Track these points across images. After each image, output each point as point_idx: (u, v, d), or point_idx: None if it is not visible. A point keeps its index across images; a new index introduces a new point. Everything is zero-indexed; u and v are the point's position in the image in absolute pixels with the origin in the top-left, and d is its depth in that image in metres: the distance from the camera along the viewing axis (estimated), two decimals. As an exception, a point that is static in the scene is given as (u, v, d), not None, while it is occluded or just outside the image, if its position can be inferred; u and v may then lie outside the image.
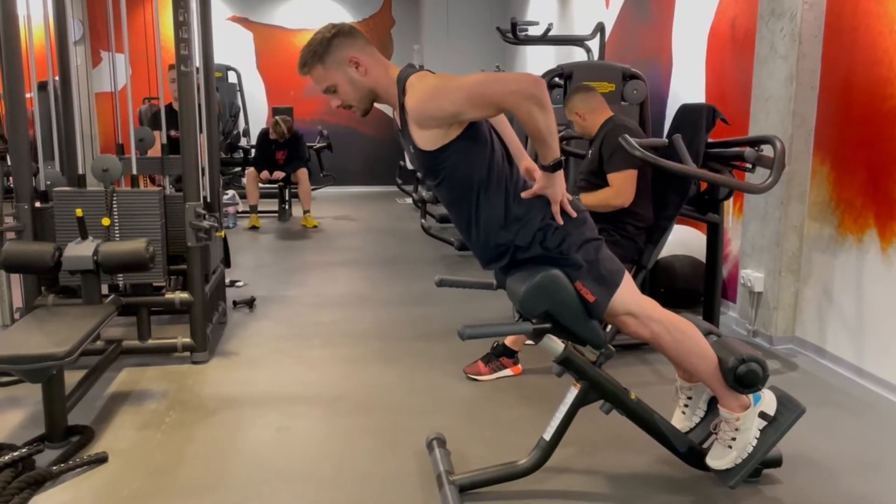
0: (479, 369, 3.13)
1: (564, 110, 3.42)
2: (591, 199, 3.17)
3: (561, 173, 1.92)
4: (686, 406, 2.35)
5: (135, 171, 3.47)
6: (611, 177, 3.17)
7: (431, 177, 2.02)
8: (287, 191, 7.88)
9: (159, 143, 4.09)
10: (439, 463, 2.20)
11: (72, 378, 2.66)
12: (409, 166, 9.09)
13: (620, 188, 3.15)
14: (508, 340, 3.15)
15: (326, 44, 1.93)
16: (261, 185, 7.55)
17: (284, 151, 7.54)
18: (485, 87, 1.79)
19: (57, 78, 3.73)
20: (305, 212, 7.48)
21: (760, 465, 2.17)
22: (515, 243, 1.99)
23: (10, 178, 3.23)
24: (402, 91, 1.92)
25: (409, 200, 9.00)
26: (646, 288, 3.40)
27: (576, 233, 2.00)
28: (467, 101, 1.81)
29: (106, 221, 3.16)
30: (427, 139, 1.91)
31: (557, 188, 1.93)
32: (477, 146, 1.93)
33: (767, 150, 2.96)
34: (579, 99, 3.37)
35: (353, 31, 1.98)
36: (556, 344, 2.05)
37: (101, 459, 2.35)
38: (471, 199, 1.98)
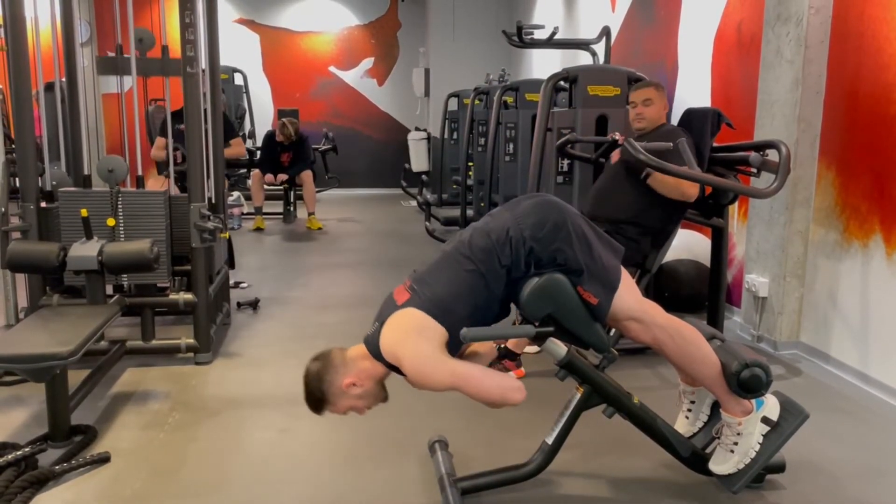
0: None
1: (654, 91, 3.33)
2: (665, 176, 3.06)
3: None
4: (689, 410, 2.34)
5: (134, 73, 3.43)
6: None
7: None
8: (292, 193, 7.89)
9: (164, 145, 4.08)
10: (441, 465, 2.20)
11: (75, 378, 2.67)
12: (415, 169, 9.10)
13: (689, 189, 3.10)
14: (510, 343, 3.14)
15: (322, 391, 2.00)
16: (266, 186, 7.56)
17: (290, 153, 7.55)
18: (468, 390, 1.91)
19: (64, 79, 3.75)
20: (310, 214, 7.49)
21: (763, 471, 2.16)
22: (516, 277, 1.99)
23: (17, 178, 3.25)
24: (388, 365, 1.97)
25: (414, 203, 9.01)
26: (650, 292, 3.39)
27: (563, 241, 1.96)
28: (455, 388, 1.92)
29: (111, 222, 3.17)
30: None
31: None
32: (461, 320, 1.94)
33: (773, 155, 2.95)
34: (664, 94, 3.37)
35: (325, 361, 2.02)
36: (558, 347, 2.04)
37: (104, 459, 2.36)
38: (488, 314, 2.03)
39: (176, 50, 3.26)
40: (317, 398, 2.01)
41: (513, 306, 2.08)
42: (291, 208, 7.96)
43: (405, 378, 1.96)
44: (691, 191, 3.10)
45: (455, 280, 1.98)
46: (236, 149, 6.67)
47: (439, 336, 1.92)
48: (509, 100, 6.22)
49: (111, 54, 3.78)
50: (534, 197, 2.12)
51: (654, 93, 3.32)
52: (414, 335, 1.92)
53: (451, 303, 1.94)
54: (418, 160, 9.09)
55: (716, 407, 2.26)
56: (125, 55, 3.51)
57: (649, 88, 3.35)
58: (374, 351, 1.98)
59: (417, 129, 9.57)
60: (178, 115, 3.81)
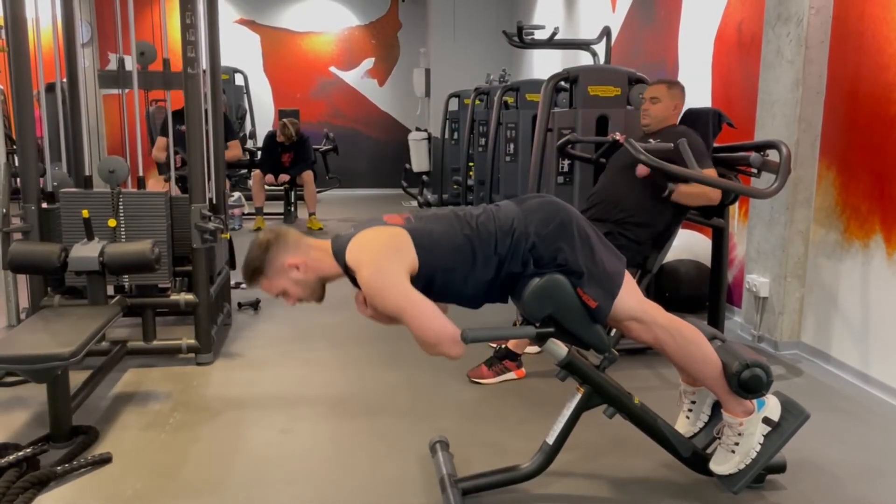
0: (482, 373, 3.13)
1: (664, 88, 3.29)
2: (691, 188, 3.07)
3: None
4: (690, 411, 2.35)
5: (136, 87, 3.45)
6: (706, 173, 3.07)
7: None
8: (293, 193, 7.89)
9: (165, 145, 4.09)
10: (442, 466, 2.20)
11: (77, 378, 2.68)
12: (415, 169, 9.10)
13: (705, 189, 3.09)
14: (511, 343, 3.14)
15: (262, 258, 1.98)
16: (267, 187, 7.57)
17: (290, 154, 7.55)
18: (410, 322, 1.85)
19: (65, 80, 3.75)
20: (311, 214, 7.49)
21: (764, 471, 2.16)
22: (512, 271, 1.99)
23: (18, 179, 3.25)
24: (346, 270, 1.95)
25: (415, 203, 9.01)
26: (651, 293, 3.39)
27: (566, 241, 1.97)
28: (397, 314, 1.87)
29: (112, 222, 3.18)
30: None
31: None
32: (436, 265, 1.94)
33: (773, 155, 2.95)
34: (680, 89, 3.33)
35: (281, 236, 2.01)
36: (559, 348, 2.04)
37: (106, 460, 2.36)
38: (459, 287, 2.01)
39: (177, 61, 3.25)
40: (255, 266, 1.99)
41: (513, 306, 2.09)
42: (292, 209, 7.96)
43: (356, 289, 1.94)
44: (715, 195, 3.09)
45: (450, 234, 1.98)
46: (233, 151, 6.66)
47: (410, 264, 1.90)
48: (510, 100, 6.22)
49: (112, 67, 3.79)
50: (543, 197, 2.13)
51: (664, 91, 3.28)
52: (390, 250, 1.91)
53: (438, 247, 1.94)
54: (419, 160, 9.09)
55: (716, 407, 2.26)
56: (126, 68, 3.53)
57: (660, 86, 3.31)
58: (338, 248, 1.96)
59: (418, 129, 9.57)
60: (178, 115, 3.82)
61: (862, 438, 2.64)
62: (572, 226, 2.00)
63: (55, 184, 3.38)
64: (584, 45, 5.96)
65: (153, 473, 2.31)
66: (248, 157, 8.27)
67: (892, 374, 2.99)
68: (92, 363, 2.89)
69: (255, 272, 2.00)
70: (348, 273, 1.96)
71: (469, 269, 1.98)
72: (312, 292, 2.04)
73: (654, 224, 3.18)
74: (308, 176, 7.53)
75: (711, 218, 3.43)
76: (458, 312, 4.27)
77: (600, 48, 5.81)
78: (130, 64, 3.54)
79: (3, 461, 2.25)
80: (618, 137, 3.39)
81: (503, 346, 3.17)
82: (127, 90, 3.62)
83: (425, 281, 1.93)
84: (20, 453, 2.30)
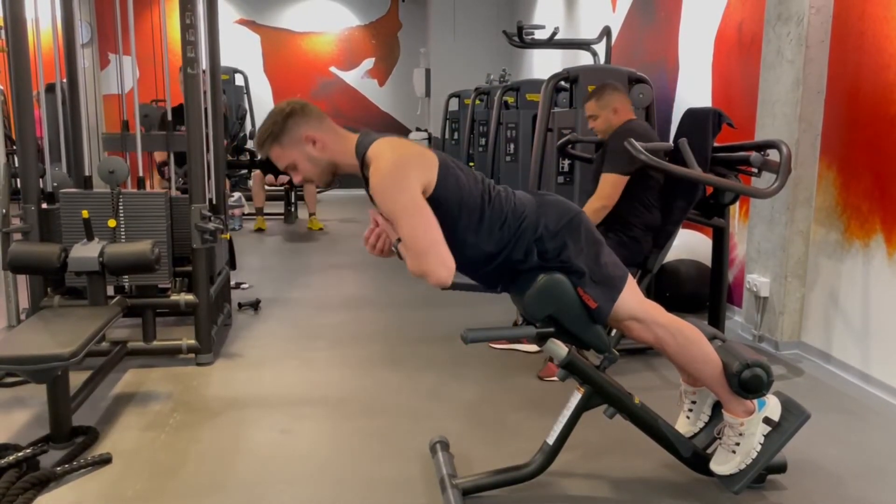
0: (551, 371, 3.08)
1: (593, 104, 3.32)
2: (585, 208, 3.13)
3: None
4: (690, 411, 2.34)
5: (140, 149, 3.46)
6: (602, 177, 3.15)
7: None
8: (293, 193, 7.89)
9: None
10: (442, 466, 2.20)
11: (77, 379, 2.67)
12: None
13: (603, 190, 3.12)
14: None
15: (281, 124, 1.94)
16: (267, 187, 7.57)
17: (291, 154, 7.54)
18: (408, 242, 1.82)
19: (65, 80, 3.75)
20: (311, 214, 7.49)
21: (765, 471, 2.16)
22: (512, 258, 1.99)
23: (18, 179, 3.25)
24: (362, 164, 1.92)
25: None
26: (651, 292, 3.39)
27: (573, 239, 1.99)
28: (398, 215, 1.83)
29: (112, 223, 3.18)
30: None
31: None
32: (445, 202, 1.89)
33: (773, 155, 2.95)
34: (620, 96, 3.32)
35: (306, 108, 1.98)
36: (559, 348, 2.04)
37: (106, 460, 2.36)
38: (455, 242, 1.91)
39: (177, 61, 3.25)
40: (272, 131, 1.94)
41: (513, 306, 2.08)
42: (292, 209, 7.96)
43: (366, 189, 1.90)
44: (596, 203, 3.14)
45: (470, 188, 1.95)
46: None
47: (428, 182, 1.85)
48: (510, 100, 6.22)
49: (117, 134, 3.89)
50: (557, 196, 2.13)
51: (594, 107, 3.32)
52: (416, 159, 1.87)
53: (456, 191, 1.91)
54: (419, 160, 9.07)
55: (717, 407, 2.26)
56: (131, 132, 3.61)
57: (589, 104, 3.34)
58: (364, 140, 1.93)
59: (418, 129, 9.58)
60: (178, 112, 3.83)
61: (862, 438, 2.63)
62: (581, 227, 2.02)
63: (55, 184, 3.38)
64: (584, 45, 5.96)
65: (153, 474, 2.31)
66: (248, 158, 8.27)
67: (892, 374, 2.99)
68: (92, 363, 2.89)
69: (270, 137, 1.94)
70: (363, 171, 1.90)
71: (473, 229, 1.94)
72: (321, 174, 1.98)
73: (645, 222, 3.20)
74: (308, 176, 7.52)
75: (712, 218, 3.43)
76: (462, 314, 4.29)
77: (600, 48, 5.80)
78: (130, 67, 3.55)
79: (3, 462, 2.25)
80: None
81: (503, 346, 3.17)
82: (127, 90, 3.63)
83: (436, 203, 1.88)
84: (20, 454, 2.30)
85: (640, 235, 3.20)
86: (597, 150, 3.69)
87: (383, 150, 1.88)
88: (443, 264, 1.80)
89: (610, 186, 3.13)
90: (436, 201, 1.87)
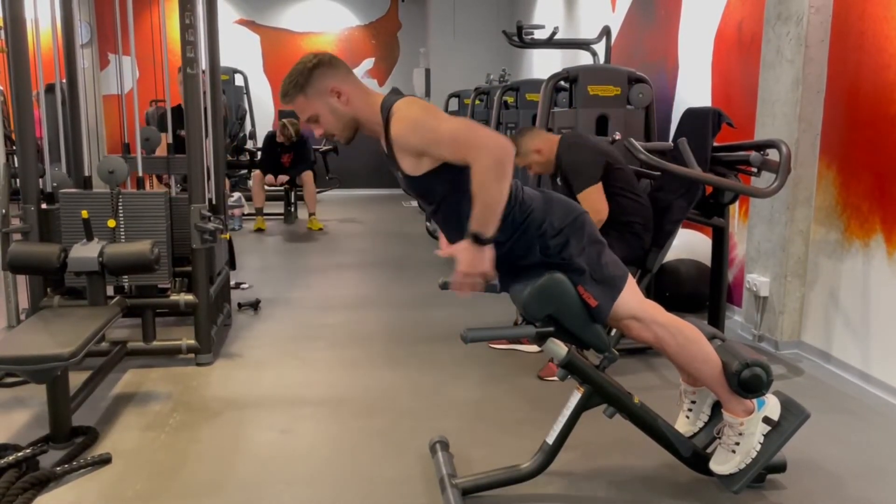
0: (551, 370, 3.08)
1: (519, 161, 3.27)
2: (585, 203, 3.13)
3: (483, 250, 1.82)
4: (690, 410, 2.34)
5: (140, 172, 3.48)
6: (580, 198, 3.12)
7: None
8: (293, 193, 7.89)
9: (165, 143, 4.11)
10: (442, 466, 2.20)
11: (76, 379, 2.67)
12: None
13: (594, 206, 3.09)
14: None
15: (308, 74, 1.94)
16: (267, 187, 7.57)
17: (290, 154, 7.55)
18: (460, 135, 1.78)
19: (64, 80, 3.75)
20: (311, 214, 7.49)
21: (764, 471, 2.16)
22: (514, 252, 1.99)
23: (18, 180, 3.25)
24: (386, 119, 1.91)
25: (415, 203, 9.01)
26: (651, 292, 3.39)
27: (575, 238, 2.00)
28: (442, 144, 1.81)
29: (111, 223, 3.18)
30: (413, 165, 1.91)
31: (468, 259, 1.82)
32: (465, 170, 1.84)
33: (773, 155, 2.96)
34: (530, 137, 3.32)
35: (333, 60, 1.97)
36: (559, 348, 2.04)
37: (105, 460, 2.36)
38: (461, 220, 1.88)
39: (177, 61, 3.25)
40: (298, 81, 1.93)
41: (513, 306, 2.08)
42: (292, 209, 7.97)
43: (386, 152, 1.93)
44: (596, 219, 3.09)
45: None
46: None
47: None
48: (510, 100, 6.22)
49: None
50: (563, 196, 2.14)
51: (523, 161, 3.30)
52: (438, 110, 1.89)
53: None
54: (419, 160, 9.08)
55: (716, 407, 2.26)
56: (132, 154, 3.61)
57: (525, 146, 3.30)
58: (390, 98, 1.92)
59: (418, 129, 9.57)
60: (178, 112, 3.84)
61: (862, 438, 2.63)
62: (584, 226, 2.03)
63: (55, 184, 3.38)
64: (583, 45, 5.96)
65: (153, 474, 2.31)
66: (248, 158, 8.28)
67: (892, 374, 2.99)
68: (92, 364, 2.89)
69: (294, 86, 1.93)
70: (387, 129, 1.89)
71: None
72: (343, 128, 1.97)
73: (641, 216, 3.20)
74: (308, 176, 7.53)
75: (712, 217, 3.43)
76: (462, 314, 4.28)
77: (600, 48, 5.81)
78: (129, 67, 3.55)
79: (2, 462, 2.25)
80: (617, 137, 3.39)
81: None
82: (127, 90, 3.63)
83: (446, 175, 1.87)
84: (20, 454, 2.30)
85: (640, 230, 3.21)
86: (553, 181, 3.62)
87: (410, 101, 1.90)
88: (496, 134, 1.80)
89: (592, 200, 3.12)
90: (449, 165, 1.85)
